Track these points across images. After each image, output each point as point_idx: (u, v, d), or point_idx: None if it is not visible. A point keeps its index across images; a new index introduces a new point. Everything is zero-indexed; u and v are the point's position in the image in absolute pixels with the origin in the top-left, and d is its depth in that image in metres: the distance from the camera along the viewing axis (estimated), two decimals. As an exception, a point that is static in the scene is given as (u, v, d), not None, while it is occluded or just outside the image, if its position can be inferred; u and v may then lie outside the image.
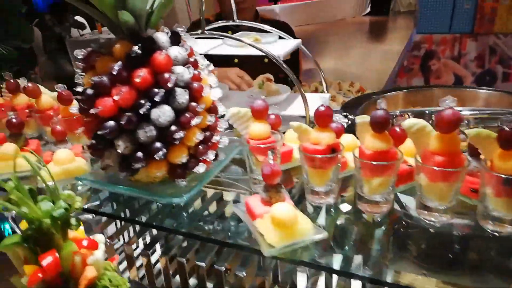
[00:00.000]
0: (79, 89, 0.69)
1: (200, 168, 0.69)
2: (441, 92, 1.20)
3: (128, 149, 0.64)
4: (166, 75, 0.63)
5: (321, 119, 0.61)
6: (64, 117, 0.85)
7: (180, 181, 0.67)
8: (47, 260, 0.47)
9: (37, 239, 0.50)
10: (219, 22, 1.00)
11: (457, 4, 3.53)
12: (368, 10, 9.59)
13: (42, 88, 0.91)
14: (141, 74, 0.62)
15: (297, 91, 1.06)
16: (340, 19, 8.64)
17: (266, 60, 1.68)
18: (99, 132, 0.63)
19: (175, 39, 0.68)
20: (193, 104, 0.66)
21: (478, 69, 3.68)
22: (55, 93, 0.91)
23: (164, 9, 0.66)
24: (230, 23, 1.00)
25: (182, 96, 0.64)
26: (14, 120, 0.81)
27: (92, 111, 0.62)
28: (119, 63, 0.62)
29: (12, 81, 0.92)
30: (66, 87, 0.83)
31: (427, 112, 1.10)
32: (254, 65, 1.49)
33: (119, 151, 0.64)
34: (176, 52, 0.66)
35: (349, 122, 0.77)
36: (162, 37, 0.66)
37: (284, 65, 0.83)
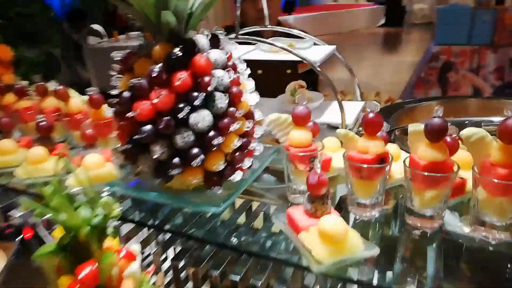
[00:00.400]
0: (115, 91, 0.66)
1: (237, 176, 0.66)
2: (476, 102, 1.16)
3: (165, 154, 0.62)
4: (207, 78, 0.60)
5: (371, 127, 0.58)
6: (94, 121, 0.83)
7: (217, 189, 0.64)
8: (85, 271, 0.44)
9: (73, 249, 0.47)
10: (251, 27, 0.98)
11: (476, 15, 3.49)
12: (383, 21, 9.56)
13: (71, 91, 0.89)
14: (182, 77, 0.59)
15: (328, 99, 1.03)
16: (354, 30, 8.61)
17: (289, 71, 1.66)
18: (136, 137, 0.60)
19: (215, 42, 0.66)
20: (232, 109, 0.64)
21: (497, 81, 3.60)
22: (84, 97, 0.89)
23: (205, 11, 0.64)
24: (263, 28, 0.98)
25: (221, 100, 0.62)
26: (43, 123, 0.79)
27: (129, 114, 0.60)
28: (159, 65, 0.59)
29: (41, 83, 0.91)
30: (98, 91, 0.81)
31: (466, 122, 1.05)
32: (278, 76, 1.46)
33: (155, 156, 0.61)
34: (216, 55, 0.64)
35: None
36: (202, 39, 0.63)
37: (319, 70, 0.80)
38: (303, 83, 0.96)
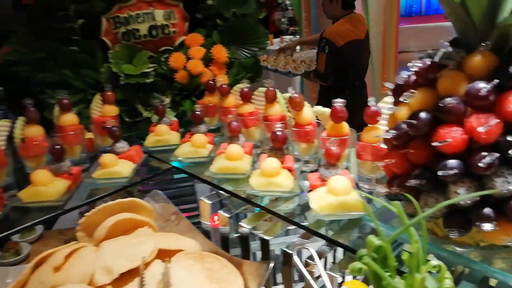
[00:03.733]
0: (388, 109, 0.54)
1: None
2: None
3: (472, 201, 0.46)
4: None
5: None
6: (332, 135, 0.73)
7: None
8: None
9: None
10: None
11: None
12: None
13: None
14: (521, 101, 0.43)
15: None
16: None
17: None
18: (441, 173, 0.46)
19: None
20: None
21: None
22: (316, 108, 0.80)
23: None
24: None
25: None
26: (280, 133, 0.73)
27: (437, 144, 0.46)
28: (491, 83, 0.44)
29: (271, 89, 0.85)
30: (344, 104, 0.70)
31: None
32: None
33: (460, 201, 0.46)
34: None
35: None
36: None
37: None
38: None
